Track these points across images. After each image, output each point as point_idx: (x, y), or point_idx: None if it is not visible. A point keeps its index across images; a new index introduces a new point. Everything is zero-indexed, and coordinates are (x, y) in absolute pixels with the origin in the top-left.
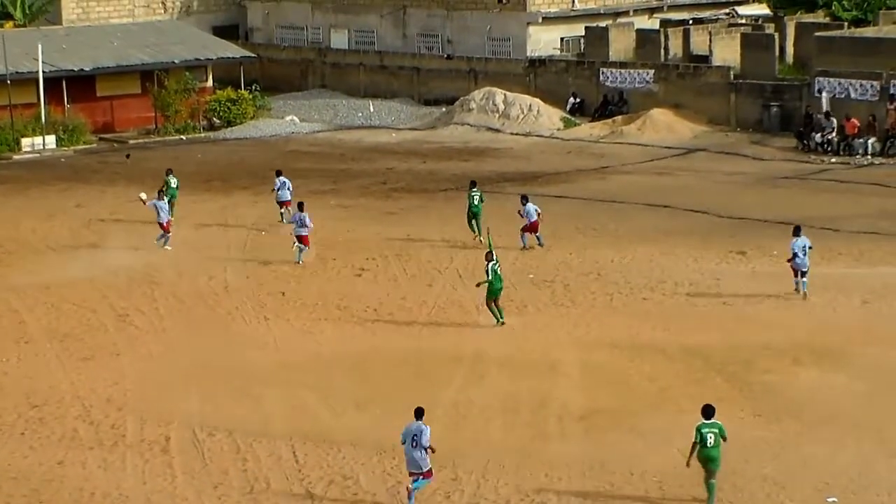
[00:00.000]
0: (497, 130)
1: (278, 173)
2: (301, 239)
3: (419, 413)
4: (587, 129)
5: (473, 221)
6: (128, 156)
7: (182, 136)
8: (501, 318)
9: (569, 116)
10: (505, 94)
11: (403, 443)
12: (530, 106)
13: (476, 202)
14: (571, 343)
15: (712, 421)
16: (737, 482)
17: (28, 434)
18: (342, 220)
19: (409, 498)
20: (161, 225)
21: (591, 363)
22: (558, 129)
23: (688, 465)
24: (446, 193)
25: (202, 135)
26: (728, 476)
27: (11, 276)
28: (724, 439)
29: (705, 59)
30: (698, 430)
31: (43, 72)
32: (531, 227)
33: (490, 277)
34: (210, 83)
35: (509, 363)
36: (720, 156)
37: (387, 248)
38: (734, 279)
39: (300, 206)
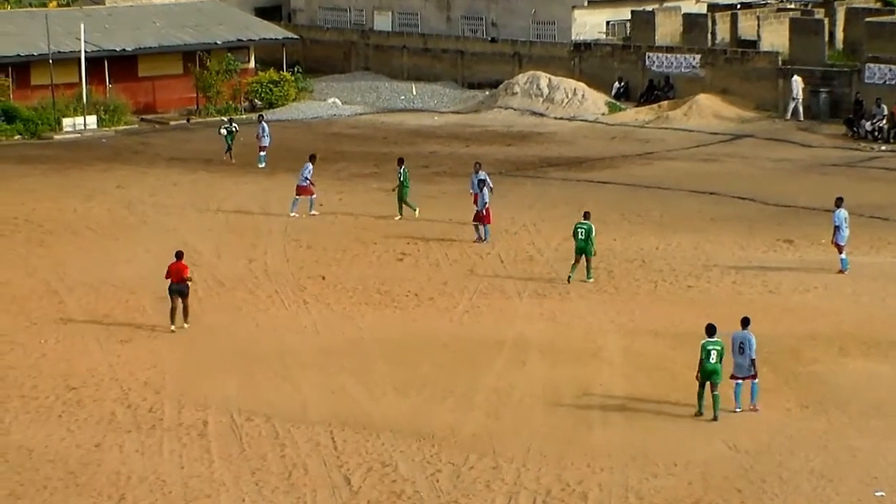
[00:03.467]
0: (541, 115)
1: (311, 158)
2: (299, 189)
3: (745, 322)
4: (632, 114)
5: (405, 200)
6: (188, 119)
7: (223, 119)
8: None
9: (614, 101)
10: (549, 79)
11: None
12: (575, 90)
13: (404, 178)
14: (615, 330)
15: (715, 339)
16: (783, 474)
17: (66, 416)
18: (383, 203)
19: (735, 398)
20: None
21: (634, 350)
22: (603, 114)
23: (696, 377)
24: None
25: (244, 117)
26: (774, 469)
27: (52, 256)
28: (721, 359)
29: (753, 44)
30: (703, 347)
31: (85, 51)
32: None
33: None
34: (252, 64)
35: (551, 349)
36: (767, 142)
37: (429, 233)
38: (781, 268)
39: (311, 159)
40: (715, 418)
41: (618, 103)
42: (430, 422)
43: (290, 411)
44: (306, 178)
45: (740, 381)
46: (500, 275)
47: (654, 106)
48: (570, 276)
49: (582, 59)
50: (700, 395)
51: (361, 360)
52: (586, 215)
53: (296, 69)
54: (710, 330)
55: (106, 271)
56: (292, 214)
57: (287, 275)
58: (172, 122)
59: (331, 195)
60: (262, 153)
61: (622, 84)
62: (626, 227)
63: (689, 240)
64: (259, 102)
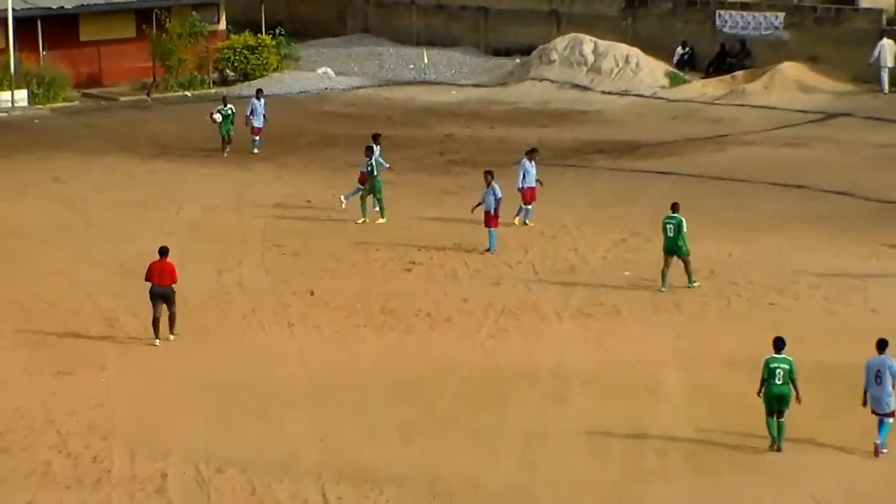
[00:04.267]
0: (585, 88)
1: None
2: (362, 177)
3: (882, 345)
4: (699, 88)
5: (374, 197)
6: (148, 94)
7: (187, 93)
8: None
9: (676, 71)
10: (595, 43)
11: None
12: (627, 57)
13: (376, 170)
14: (676, 358)
15: (782, 356)
16: None
17: None
18: (388, 199)
19: (880, 433)
20: None
21: (700, 384)
22: (662, 87)
23: (758, 394)
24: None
25: (212, 91)
26: None
27: None
28: (793, 381)
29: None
30: (766, 364)
31: (13, 9)
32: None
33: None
34: (222, 26)
35: (597, 382)
36: (868, 122)
37: (444, 237)
38: (886, 280)
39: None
40: (778, 448)
41: (681, 74)
42: (447, 473)
43: (270, 460)
44: (371, 165)
45: (887, 419)
46: (534, 289)
47: (727, 77)
48: (663, 284)
49: (636, 19)
50: (770, 425)
51: (360, 396)
52: (674, 207)
53: (277, 31)
54: (778, 344)
55: (39, 286)
56: (343, 200)
57: (267, 290)
58: (123, 98)
59: (321, 190)
60: (256, 137)
61: (686, 50)
62: (690, 230)
63: (771, 245)
64: (231, 73)
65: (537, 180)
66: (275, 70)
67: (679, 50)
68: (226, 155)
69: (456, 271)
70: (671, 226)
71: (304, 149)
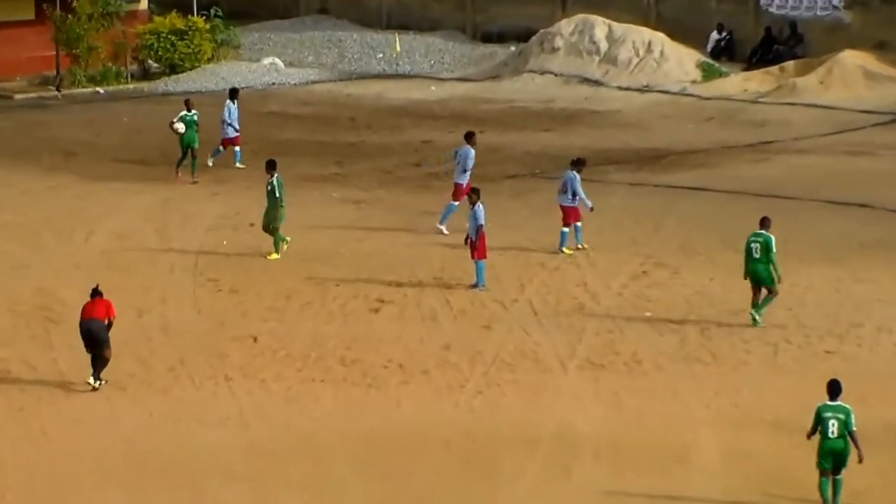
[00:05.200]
0: (597, 83)
1: (469, 137)
2: (457, 190)
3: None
4: (739, 82)
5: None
6: (58, 89)
7: (99, 89)
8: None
9: (710, 61)
10: (610, 27)
11: None
12: (649, 44)
13: (279, 193)
14: (711, 420)
15: (837, 403)
16: None
17: None
18: (351, 223)
19: None
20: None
21: (741, 451)
22: (693, 82)
23: (808, 437)
24: (515, 183)
25: (130, 86)
26: None
27: None
28: (851, 433)
29: None
30: (818, 413)
31: None
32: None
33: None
34: (144, 5)
35: (613, 449)
36: None
37: (420, 269)
38: None
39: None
40: None
41: (717, 65)
42: None
43: None
44: (465, 171)
45: None
46: (534, 334)
47: (774, 69)
48: (755, 318)
49: None
50: (824, 487)
51: (315, 469)
52: (764, 222)
53: (213, 12)
54: (834, 388)
55: None
56: (441, 226)
57: (199, 335)
58: (19, 96)
59: None
60: (237, 148)
61: (724, 35)
62: (728, 259)
63: (828, 278)
64: (155, 65)
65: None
66: (209, 60)
67: (714, 35)
68: (179, 175)
69: (436, 312)
70: (757, 245)
71: (247, 158)
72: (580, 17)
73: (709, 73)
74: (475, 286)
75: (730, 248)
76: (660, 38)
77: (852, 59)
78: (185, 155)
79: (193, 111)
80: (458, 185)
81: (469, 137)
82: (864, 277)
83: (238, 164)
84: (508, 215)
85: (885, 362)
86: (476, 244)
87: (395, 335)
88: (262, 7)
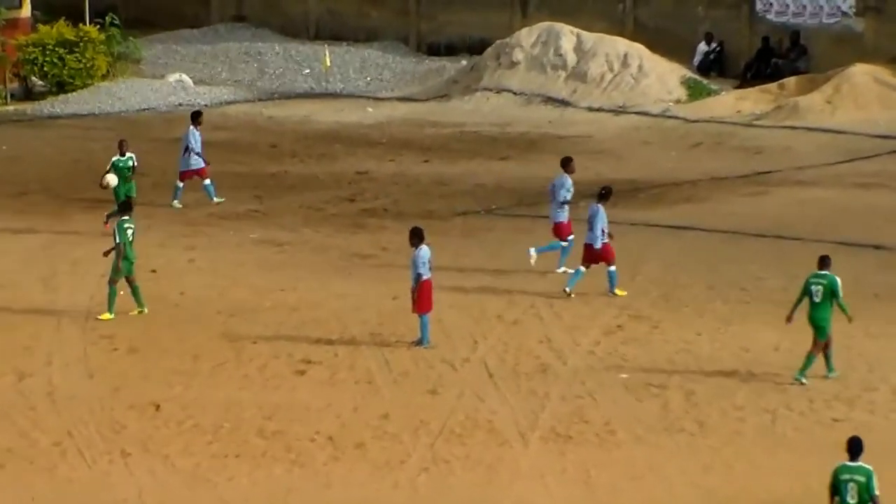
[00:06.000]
0: (563, 103)
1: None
2: (558, 229)
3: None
4: (731, 102)
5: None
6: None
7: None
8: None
9: (697, 78)
10: (578, 36)
11: None
12: (625, 57)
13: (130, 235)
14: (698, 500)
15: (858, 464)
16: None
17: None
18: (273, 268)
19: None
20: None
21: None
22: (677, 102)
23: None
24: (467, 220)
25: (10, 108)
26: None
27: None
28: (873, 498)
29: None
30: (836, 475)
31: None
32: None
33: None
34: (27, 12)
35: None
36: None
37: (354, 322)
38: None
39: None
40: None
41: (705, 82)
42: None
43: None
44: (563, 205)
45: None
46: (489, 400)
47: (772, 86)
48: (801, 374)
49: (638, 3)
50: None
51: None
52: (824, 261)
53: (108, 21)
54: (854, 448)
55: None
56: (560, 270)
57: (91, 403)
58: None
59: (176, 252)
60: (206, 181)
61: (713, 47)
62: (718, 310)
63: (836, 333)
64: (40, 82)
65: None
66: (104, 77)
67: (702, 47)
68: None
69: (372, 374)
70: (819, 288)
71: (146, 193)
72: (544, 25)
73: (696, 92)
74: (419, 343)
75: (719, 298)
76: (638, 50)
77: (864, 74)
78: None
79: (129, 154)
80: (556, 225)
81: (566, 164)
82: (878, 332)
83: (216, 200)
84: (459, 259)
85: None
86: (416, 295)
87: (325, 402)
88: (168, 15)
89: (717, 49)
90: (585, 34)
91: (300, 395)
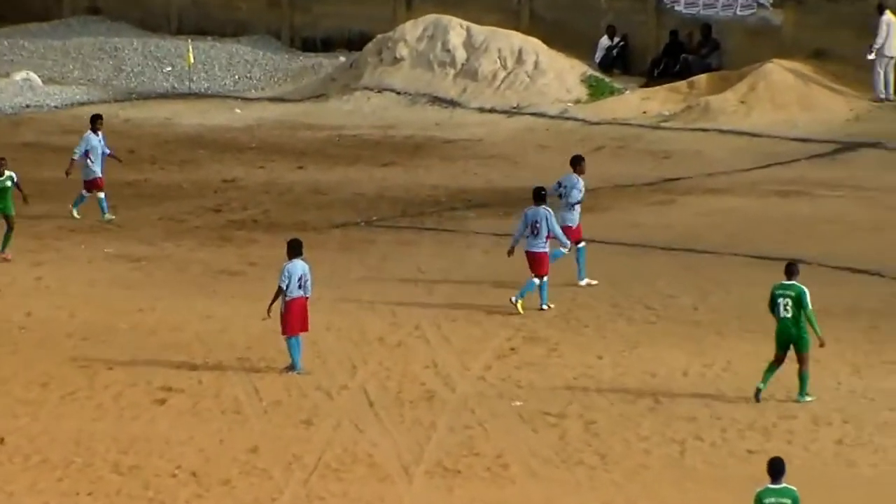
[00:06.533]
0: (452, 103)
1: (576, 163)
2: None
3: None
4: (636, 102)
5: None
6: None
7: None
8: None
9: (599, 75)
10: (468, 30)
11: None
12: (520, 53)
13: None
14: None
15: (782, 486)
16: None
17: None
18: (129, 286)
19: None
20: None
21: None
22: (577, 102)
23: None
24: (346, 232)
25: None
26: None
27: None
28: None
29: None
30: (759, 500)
31: None
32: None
33: None
34: None
35: None
36: None
37: (220, 346)
38: None
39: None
40: None
41: (607, 80)
42: None
43: None
44: (572, 208)
45: None
46: (369, 431)
47: (681, 85)
48: (759, 389)
49: None
50: None
51: None
52: (791, 269)
53: None
54: (776, 469)
55: None
56: (584, 283)
57: None
58: None
59: (21, 268)
60: (101, 194)
61: (617, 42)
62: (622, 331)
63: (752, 356)
64: None
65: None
66: None
67: (605, 42)
68: (8, 257)
69: (240, 403)
70: (787, 301)
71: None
72: (430, 17)
73: (597, 91)
74: (290, 369)
75: (623, 317)
76: (534, 45)
77: (782, 71)
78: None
79: (8, 173)
80: (565, 229)
81: (576, 164)
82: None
83: (106, 217)
84: (337, 275)
85: (822, 464)
86: (283, 315)
87: (187, 434)
88: (14, 7)
89: (621, 44)
90: (476, 28)
91: (160, 426)
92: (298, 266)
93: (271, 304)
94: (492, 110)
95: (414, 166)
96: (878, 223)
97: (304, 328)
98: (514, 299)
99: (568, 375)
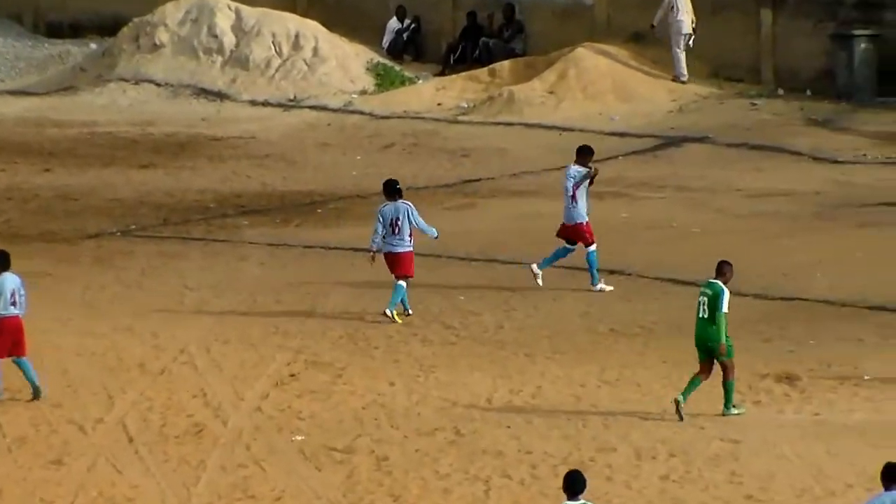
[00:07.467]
0: (220, 95)
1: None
2: (569, 230)
3: None
4: (430, 93)
5: None
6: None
7: None
8: None
9: (388, 63)
10: (238, 12)
11: None
12: (297, 38)
13: None
14: None
15: (581, 502)
16: None
17: None
18: None
19: None
20: None
21: None
22: (363, 92)
23: None
24: (101, 243)
25: None
26: None
27: None
28: None
29: None
30: None
31: None
32: None
33: None
34: None
35: None
36: (741, 152)
37: None
38: (771, 432)
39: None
40: None
41: (398, 68)
42: None
43: None
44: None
45: None
46: (128, 470)
47: (482, 72)
48: (679, 401)
49: None
50: None
51: None
52: (719, 268)
53: None
54: (574, 483)
55: None
56: (598, 287)
57: None
58: None
59: None
60: None
61: (407, 24)
62: (419, 353)
63: (565, 380)
64: None
65: None
66: None
67: (393, 24)
68: None
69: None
70: (704, 299)
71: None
72: None
73: (386, 80)
74: (34, 398)
75: (418, 337)
76: (313, 29)
77: (596, 56)
78: None
79: None
80: (576, 226)
81: (582, 154)
82: (613, 378)
83: None
84: (90, 292)
85: (647, 503)
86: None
87: None
88: None
89: (413, 27)
90: (246, 10)
91: None
92: (9, 280)
93: (8, 319)
94: (266, 103)
95: (178, 168)
96: (706, 227)
97: (19, 352)
98: (388, 311)
99: (356, 405)
